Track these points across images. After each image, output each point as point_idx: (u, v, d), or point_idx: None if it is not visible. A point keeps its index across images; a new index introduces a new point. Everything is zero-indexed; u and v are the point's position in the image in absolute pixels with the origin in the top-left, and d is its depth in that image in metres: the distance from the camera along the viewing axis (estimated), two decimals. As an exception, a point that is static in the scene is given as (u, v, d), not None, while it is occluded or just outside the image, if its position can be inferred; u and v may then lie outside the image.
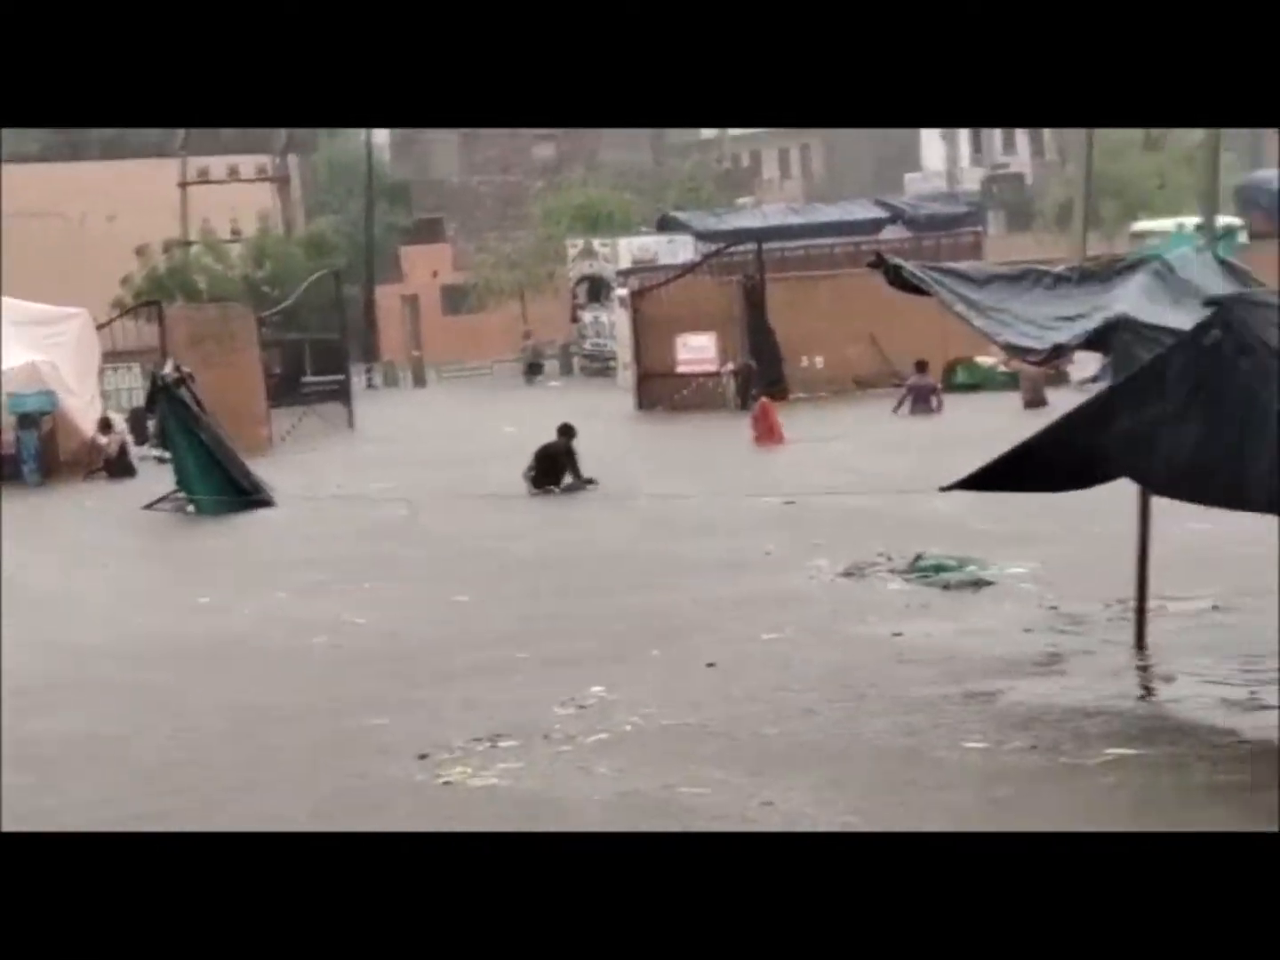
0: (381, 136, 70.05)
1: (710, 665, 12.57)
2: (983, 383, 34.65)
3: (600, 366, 48.69)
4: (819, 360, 36.86)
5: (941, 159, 77.10)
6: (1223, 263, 13.74)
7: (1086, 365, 26.25)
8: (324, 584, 16.90)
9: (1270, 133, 59.39)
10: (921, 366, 32.41)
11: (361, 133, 63.42)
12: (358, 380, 45.11)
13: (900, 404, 31.86)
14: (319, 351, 39.16)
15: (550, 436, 23.54)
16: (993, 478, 11.70)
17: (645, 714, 11.27)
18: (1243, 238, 41.92)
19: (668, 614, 14.45)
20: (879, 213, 52.09)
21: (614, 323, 45.00)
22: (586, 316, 51.96)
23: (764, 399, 29.63)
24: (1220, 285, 11.64)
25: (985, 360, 34.30)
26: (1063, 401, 18.27)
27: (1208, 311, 10.00)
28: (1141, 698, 11.41)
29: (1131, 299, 11.67)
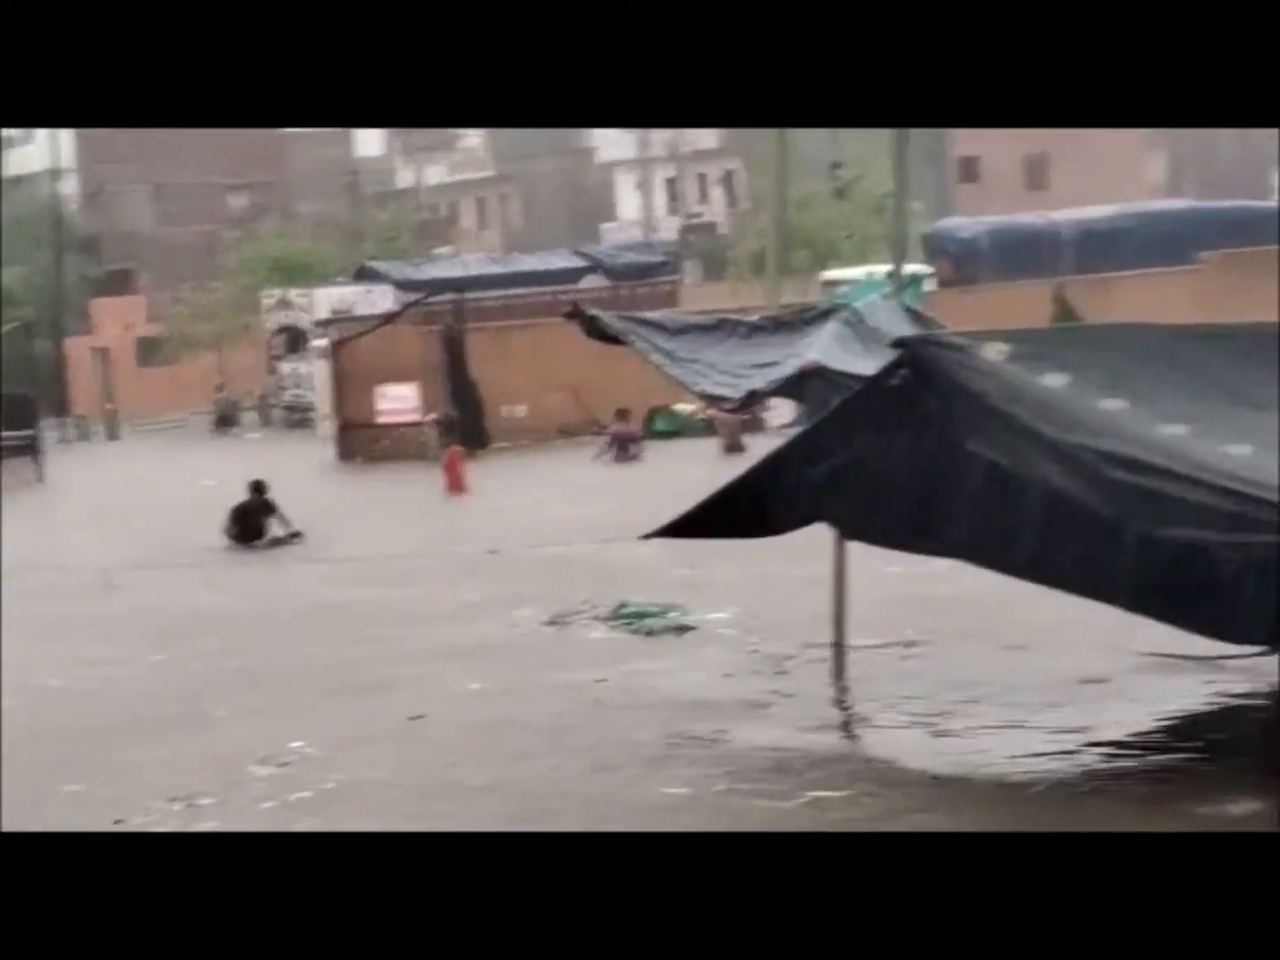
0: (67, 187, 68.73)
1: (414, 718, 12.47)
2: (682, 430, 35.01)
3: (300, 418, 48.17)
4: (521, 409, 36.93)
5: (637, 209, 77.83)
6: (910, 310, 14.09)
7: (784, 411, 26.64)
8: (12, 646, 16.43)
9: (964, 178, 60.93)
10: (623, 414, 32.66)
11: (45, 183, 62.09)
12: (51, 435, 44.08)
13: (602, 452, 32.05)
14: (8, 406, 38.21)
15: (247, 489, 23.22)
16: (693, 524, 11.81)
17: (347, 770, 11.13)
18: (930, 285, 42.94)
19: (369, 667, 14.32)
20: (577, 262, 52.37)
21: (312, 374, 44.57)
22: (285, 368, 51.40)
23: (452, 449, 29.55)
24: (908, 331, 11.90)
25: (684, 408, 34.65)
26: (761, 447, 18.52)
27: (896, 355, 10.21)
28: (842, 738, 11.58)
29: (823, 346, 11.90)
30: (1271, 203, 58.58)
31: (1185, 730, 11.25)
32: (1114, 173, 72.03)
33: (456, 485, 27.94)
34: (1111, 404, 9.26)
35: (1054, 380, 9.42)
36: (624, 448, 32.04)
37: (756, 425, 30.84)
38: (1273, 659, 12.20)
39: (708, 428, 32.60)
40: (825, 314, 13.33)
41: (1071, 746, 10.72)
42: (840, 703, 12.31)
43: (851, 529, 11.73)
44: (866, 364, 11.13)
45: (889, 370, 9.95)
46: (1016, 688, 12.30)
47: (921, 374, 9.62)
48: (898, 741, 11.21)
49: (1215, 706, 11.69)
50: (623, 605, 15.80)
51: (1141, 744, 10.90)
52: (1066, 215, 50.29)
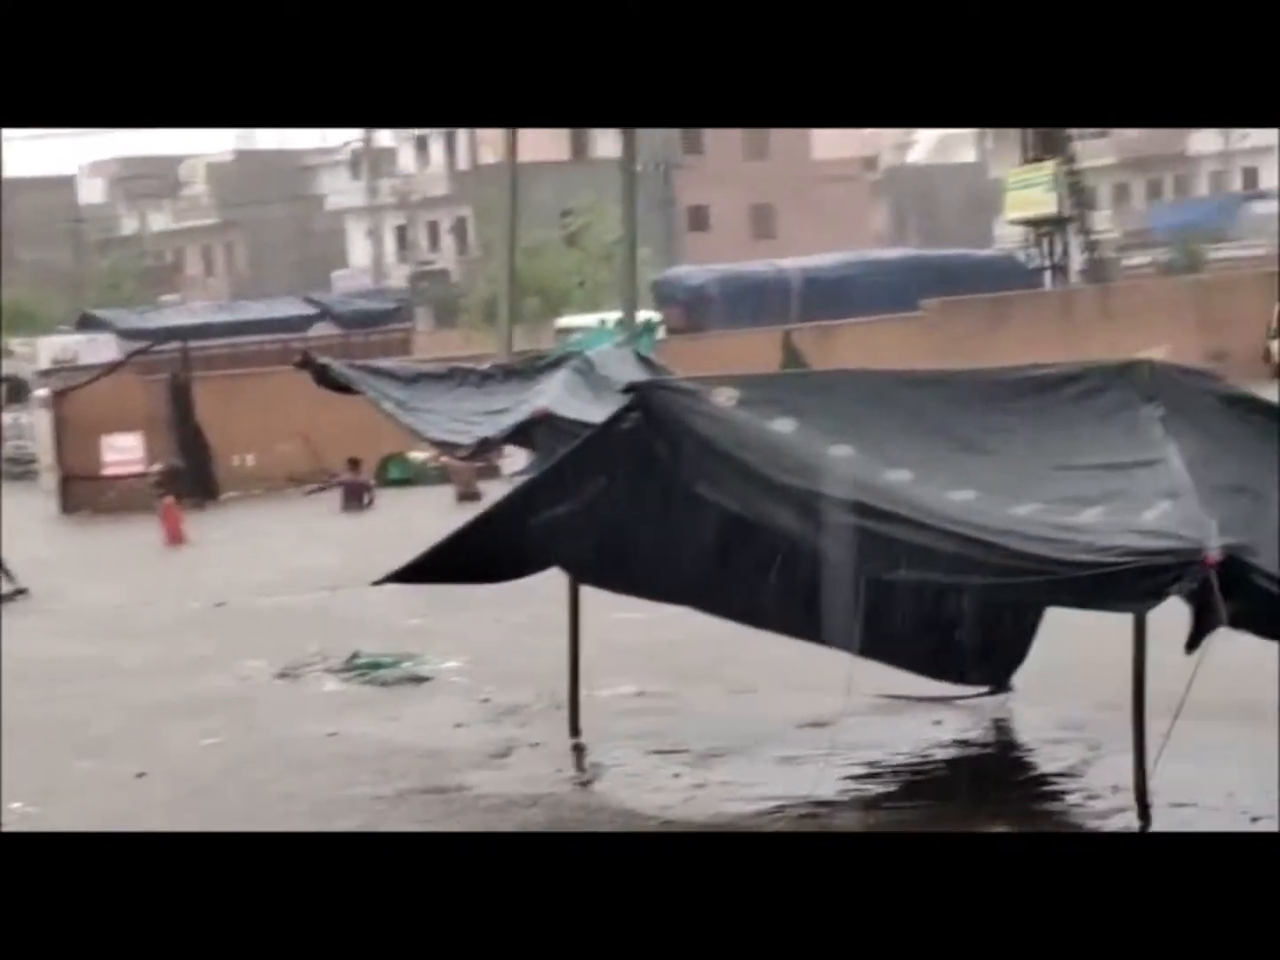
0: None
1: (140, 775, 12.21)
2: (416, 478, 34.80)
3: (22, 470, 47.08)
4: (250, 458, 36.42)
5: (368, 256, 77.51)
6: (641, 357, 14.20)
7: (518, 458, 26.63)
8: None
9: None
10: (354, 463, 32.39)
11: None
12: None
13: (338, 500, 31.74)
14: None
15: (-32, 543, 22.58)
16: (424, 570, 11.73)
17: (65, 828, 10.83)
18: (662, 333, 43.29)
19: (94, 723, 13.99)
20: (307, 309, 51.92)
21: (34, 424, 43.61)
22: (6, 419, 50.24)
23: (167, 499, 29.07)
24: (639, 377, 11.97)
25: (417, 455, 34.46)
26: (496, 494, 18.46)
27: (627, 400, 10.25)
28: (578, 785, 11.56)
29: (553, 394, 11.93)
30: (990, 251, 60.10)
31: (915, 768, 11.42)
32: (838, 222, 73.38)
33: (174, 536, 27.57)
34: (839, 449, 9.37)
35: (782, 425, 9.51)
36: (355, 497, 31.77)
37: (492, 472, 30.76)
38: (998, 698, 12.47)
39: (442, 476, 32.46)
40: (557, 362, 13.39)
41: (804, 788, 10.81)
42: (575, 750, 12.29)
43: (585, 574, 11.75)
44: (597, 411, 11.17)
45: (620, 415, 9.97)
46: (750, 731, 12.39)
47: (652, 419, 9.65)
48: (632, 788, 11.22)
49: (943, 745, 11.87)
50: (355, 656, 15.63)
51: (872, 784, 11.04)
52: (793, 263, 51.06)
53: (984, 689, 12.41)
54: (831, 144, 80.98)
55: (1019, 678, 12.39)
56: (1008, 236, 61.89)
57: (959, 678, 12.37)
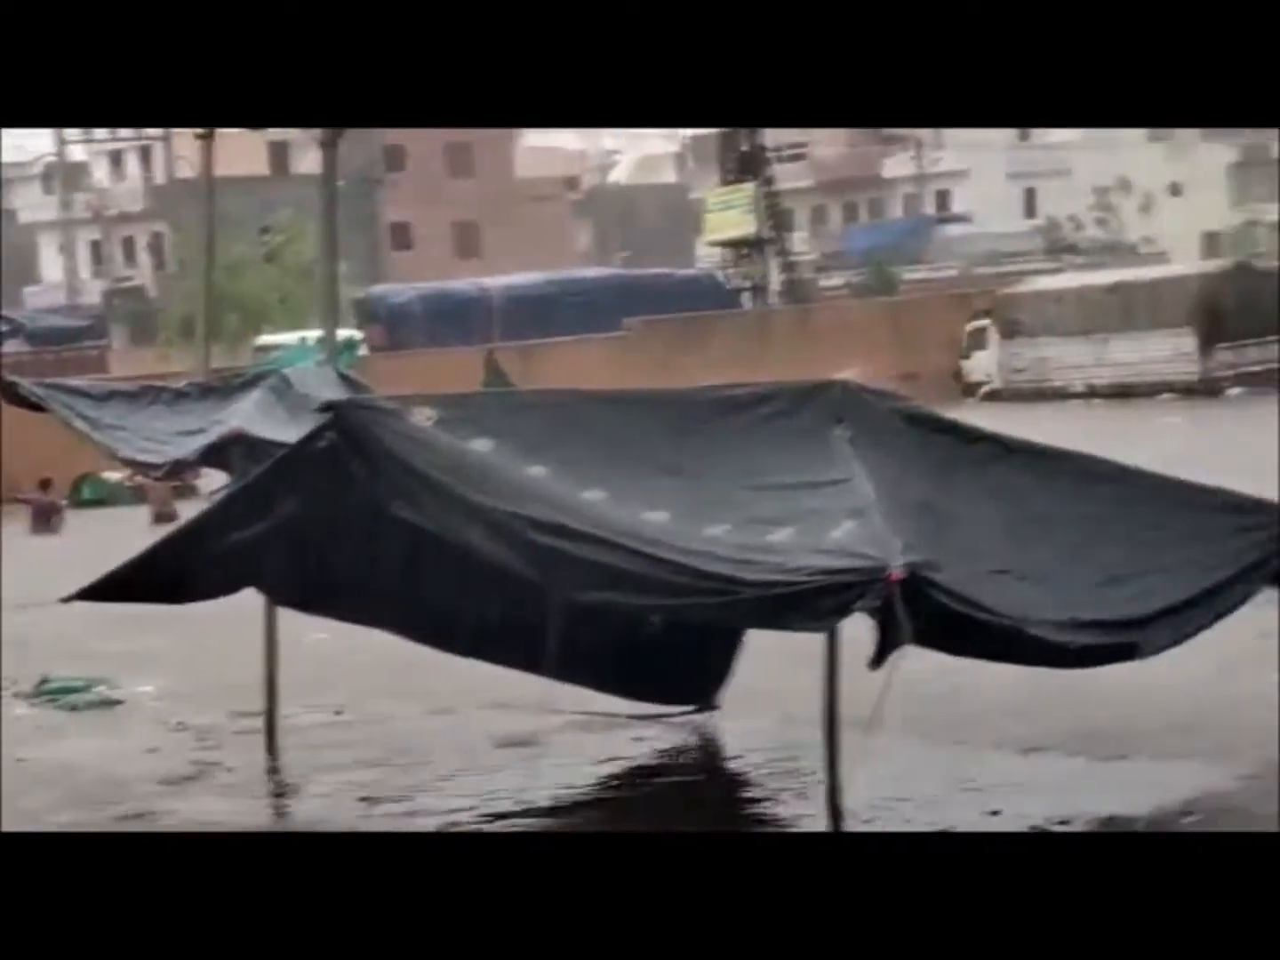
0: None
1: None
2: (110, 498, 34.12)
3: None
4: (-66, 478, 35.39)
5: (61, 271, 75.85)
6: (342, 375, 14.12)
7: (216, 478, 26.24)
8: None
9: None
10: (44, 483, 31.63)
11: None
12: None
13: (27, 522, 30.98)
14: None
15: None
16: (115, 588, 11.46)
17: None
18: (364, 350, 43.03)
19: None
20: (-3, 325, 50.68)
21: None
22: None
23: None
24: (339, 396, 11.90)
25: (111, 475, 33.79)
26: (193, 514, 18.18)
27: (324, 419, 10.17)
28: (271, 808, 11.43)
29: (247, 413, 11.81)
30: (691, 271, 60.79)
31: (618, 784, 11.50)
32: (543, 241, 73.64)
33: None
34: (536, 470, 9.40)
35: (480, 445, 9.51)
36: (43, 518, 31.03)
37: (189, 492, 30.24)
38: (703, 716, 12.59)
39: (138, 496, 31.86)
40: (253, 380, 13.26)
41: (508, 805, 10.83)
42: (271, 772, 12.16)
43: (281, 595, 11.63)
44: (293, 430, 11.08)
45: (316, 434, 9.89)
46: (447, 751, 12.37)
47: (348, 438, 9.58)
48: (329, 809, 11.13)
49: (646, 760, 11.97)
50: (45, 680, 15.27)
51: (576, 801, 11.10)
52: (497, 282, 51.13)
53: (690, 707, 12.52)
54: (535, 163, 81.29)
55: (726, 695, 12.51)
56: (709, 257, 62.69)
57: (663, 698, 12.46)
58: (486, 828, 10.50)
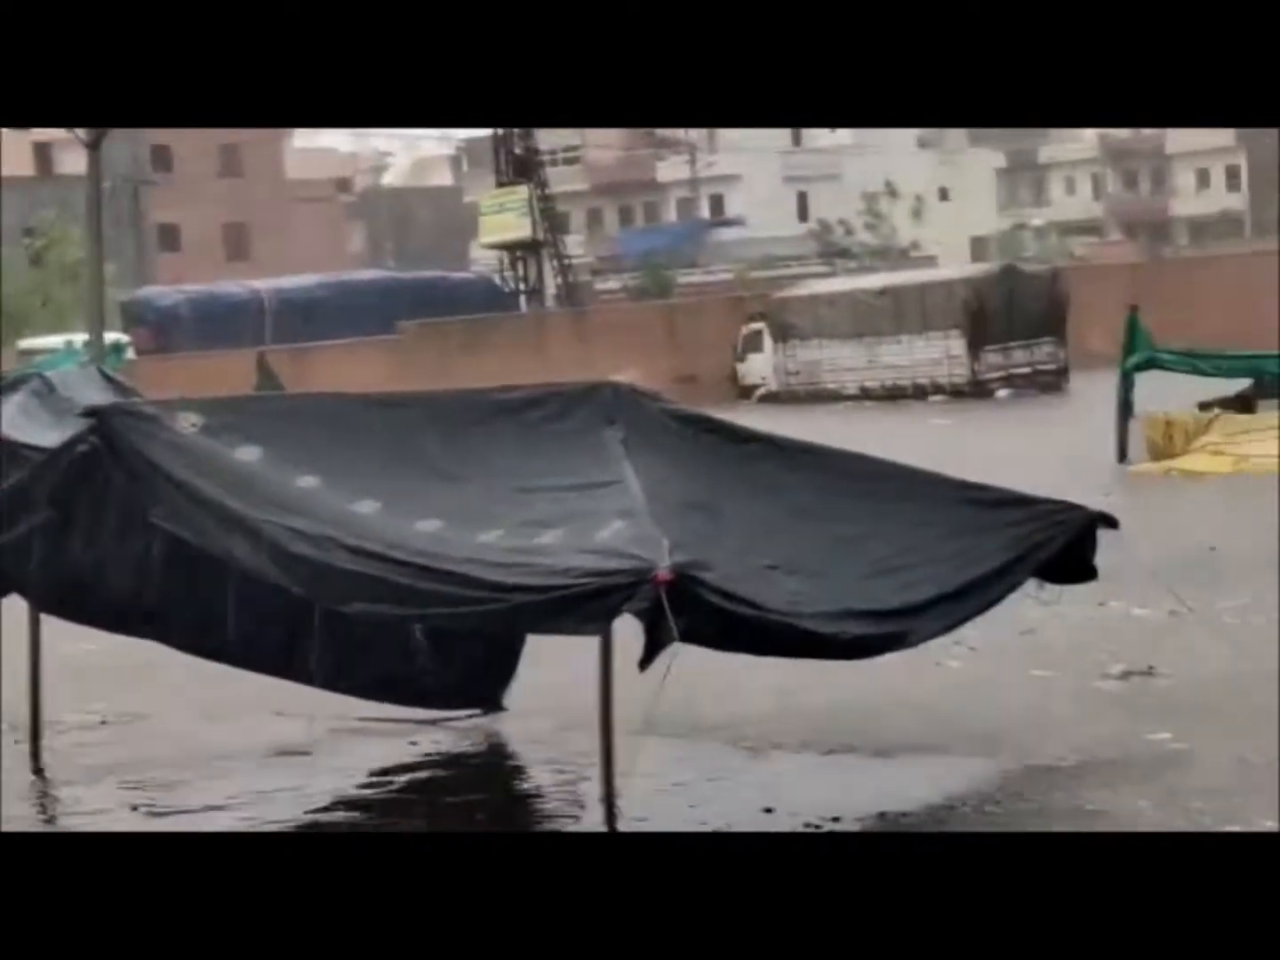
0: None
1: None
2: None
3: None
4: None
5: None
6: (107, 378, 13.84)
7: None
8: None
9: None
10: None
11: None
12: None
13: None
14: None
15: None
16: None
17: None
18: (131, 354, 42.40)
19: None
20: None
21: None
22: None
23: None
24: (104, 400, 11.67)
25: None
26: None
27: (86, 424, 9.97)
28: (39, 818, 11.21)
29: (9, 417, 11.56)
30: (466, 273, 60.72)
31: (382, 785, 11.44)
32: (314, 243, 73.11)
33: None
34: (305, 480, 9.25)
35: (247, 453, 9.33)
36: None
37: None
38: (486, 718, 12.54)
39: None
40: (14, 384, 12.97)
41: (294, 811, 10.71)
42: (38, 784, 11.91)
43: (43, 603, 11.39)
44: (55, 435, 10.84)
45: (77, 439, 9.69)
46: (220, 757, 12.21)
47: (109, 444, 9.39)
48: (93, 822, 10.92)
49: (416, 764, 11.91)
50: None
51: (354, 805, 11.02)
52: (267, 284, 50.70)
53: (475, 710, 12.46)
54: (306, 164, 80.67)
55: (511, 697, 12.46)
56: (484, 259, 62.67)
57: (444, 703, 12.37)
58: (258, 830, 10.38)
